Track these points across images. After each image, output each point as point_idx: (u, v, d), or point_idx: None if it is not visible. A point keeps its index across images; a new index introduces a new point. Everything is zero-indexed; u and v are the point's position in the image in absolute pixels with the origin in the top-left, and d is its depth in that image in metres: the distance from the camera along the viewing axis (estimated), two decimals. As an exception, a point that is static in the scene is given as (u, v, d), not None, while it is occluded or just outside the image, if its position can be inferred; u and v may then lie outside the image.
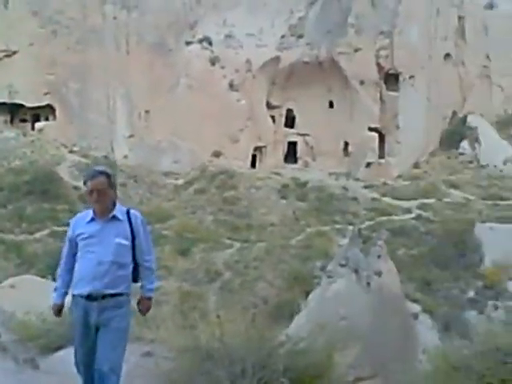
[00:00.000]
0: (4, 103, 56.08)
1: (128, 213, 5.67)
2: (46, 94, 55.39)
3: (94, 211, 5.58)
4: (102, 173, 5.55)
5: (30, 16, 55.28)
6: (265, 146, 58.16)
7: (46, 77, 54.89)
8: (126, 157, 53.31)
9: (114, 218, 5.60)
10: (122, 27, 56.86)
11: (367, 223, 39.23)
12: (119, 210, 5.63)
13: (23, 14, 55.16)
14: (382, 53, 56.16)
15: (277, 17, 61.55)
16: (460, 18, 61.53)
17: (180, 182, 47.99)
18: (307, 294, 22.31)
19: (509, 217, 40.45)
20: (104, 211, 5.56)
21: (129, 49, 56.64)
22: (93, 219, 5.59)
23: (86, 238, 5.53)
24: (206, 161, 52.06)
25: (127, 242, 5.57)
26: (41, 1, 55.56)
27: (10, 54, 55.64)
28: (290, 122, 60.09)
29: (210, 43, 57.64)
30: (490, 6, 63.13)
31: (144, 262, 5.69)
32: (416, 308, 26.32)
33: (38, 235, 35.12)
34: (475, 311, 28.04)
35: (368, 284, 20.41)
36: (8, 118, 57.39)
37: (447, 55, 60.63)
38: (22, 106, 56.28)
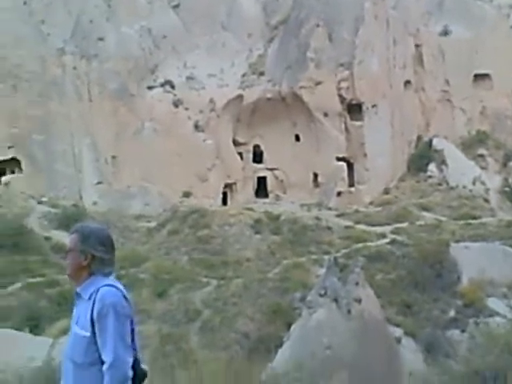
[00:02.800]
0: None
1: (97, 291, 4.16)
2: (10, 147, 54.79)
3: None
4: (75, 231, 4.33)
5: (-12, 72, 55.16)
6: (235, 183, 58.26)
7: (9, 130, 54.29)
8: (95, 203, 52.73)
9: (78, 295, 4.28)
10: (82, 77, 56.92)
11: (343, 251, 39.17)
12: (91, 285, 4.23)
13: (-19, 70, 55.01)
14: (343, 84, 56.88)
15: (236, 56, 62.23)
16: (417, 45, 62.85)
17: (152, 224, 47.61)
18: (289, 326, 22.14)
19: (481, 235, 40.86)
20: (73, 282, 4.32)
21: (91, 97, 56.60)
22: None
23: None
24: (176, 202, 51.86)
25: (86, 333, 4.10)
26: (-2, 56, 55.57)
27: (-28, 110, 55.26)
28: (257, 157, 60.37)
29: (172, 86, 57.92)
30: (445, 33, 64.66)
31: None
32: (398, 332, 26.27)
33: (10, 289, 34.39)
34: (457, 330, 28.05)
35: (349, 311, 20.31)
36: (-28, 174, 56.71)
37: (407, 82, 61.66)
38: (-14, 160, 55.71)
